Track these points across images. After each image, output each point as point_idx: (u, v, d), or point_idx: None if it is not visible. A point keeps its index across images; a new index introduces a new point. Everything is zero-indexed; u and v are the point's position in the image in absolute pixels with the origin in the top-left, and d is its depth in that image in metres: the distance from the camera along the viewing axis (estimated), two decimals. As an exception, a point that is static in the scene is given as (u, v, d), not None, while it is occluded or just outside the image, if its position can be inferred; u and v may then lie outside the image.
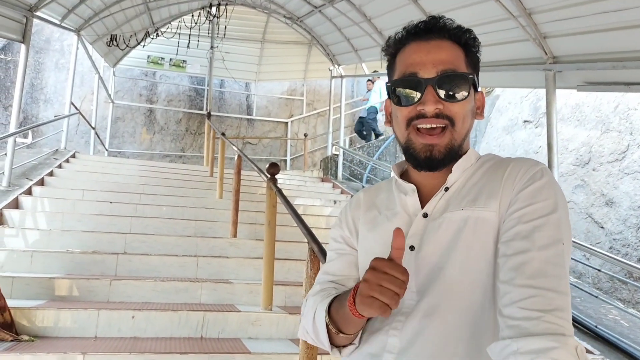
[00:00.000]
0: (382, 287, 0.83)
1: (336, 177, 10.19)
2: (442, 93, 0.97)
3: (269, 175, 4.18)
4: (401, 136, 1.03)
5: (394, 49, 1.07)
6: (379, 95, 11.69)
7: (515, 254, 0.89)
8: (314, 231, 2.89)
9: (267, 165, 4.20)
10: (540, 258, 0.87)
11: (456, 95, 0.98)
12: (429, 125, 0.98)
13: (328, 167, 10.74)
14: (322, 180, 9.88)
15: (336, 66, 10.37)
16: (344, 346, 1.07)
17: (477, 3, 5.25)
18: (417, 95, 0.98)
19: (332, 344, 1.07)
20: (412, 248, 1.01)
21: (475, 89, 1.04)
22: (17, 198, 5.79)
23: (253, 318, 3.80)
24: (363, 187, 9.27)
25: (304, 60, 14.05)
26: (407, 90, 1.00)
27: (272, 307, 3.98)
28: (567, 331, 0.81)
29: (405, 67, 1.02)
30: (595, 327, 4.26)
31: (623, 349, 3.98)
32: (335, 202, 7.98)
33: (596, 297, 5.15)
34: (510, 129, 8.67)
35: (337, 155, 10.47)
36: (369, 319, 1.04)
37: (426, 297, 0.97)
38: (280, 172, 9.15)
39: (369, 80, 12.22)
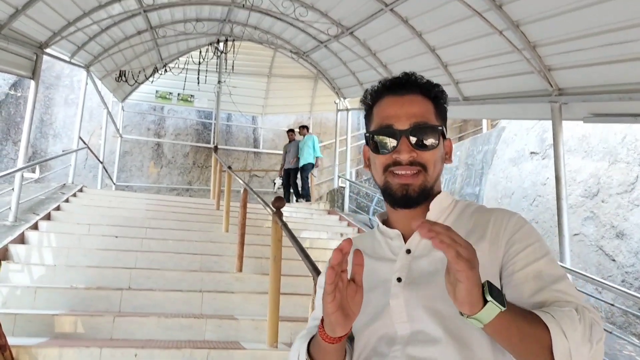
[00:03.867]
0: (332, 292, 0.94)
1: (343, 209, 10.14)
2: (415, 142, 1.09)
3: (274, 209, 4.15)
4: (379, 179, 1.15)
5: (371, 100, 1.20)
6: (311, 148, 11.10)
7: (534, 292, 1.00)
8: (320, 265, 2.85)
9: (273, 199, 4.17)
10: (557, 289, 1.00)
11: (427, 144, 1.10)
12: (403, 172, 1.09)
13: (335, 199, 10.71)
14: (329, 212, 9.84)
15: (342, 99, 10.44)
16: None
17: (481, 37, 5.29)
18: (393, 144, 1.10)
19: None
20: (399, 280, 1.09)
21: (444, 137, 1.16)
22: (23, 233, 5.78)
23: (258, 356, 3.73)
24: (370, 219, 9.22)
25: (310, 94, 14.20)
26: (384, 140, 1.12)
27: (277, 345, 3.90)
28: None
29: (381, 119, 1.14)
30: (610, 364, 4.14)
31: (640, 387, 3.86)
32: (341, 234, 7.91)
33: (610, 332, 5.02)
34: (516, 160, 8.64)
35: (344, 187, 10.45)
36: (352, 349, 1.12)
37: (419, 326, 1.03)
38: (287, 204, 9.13)
39: (290, 130, 11.75)
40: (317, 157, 11.23)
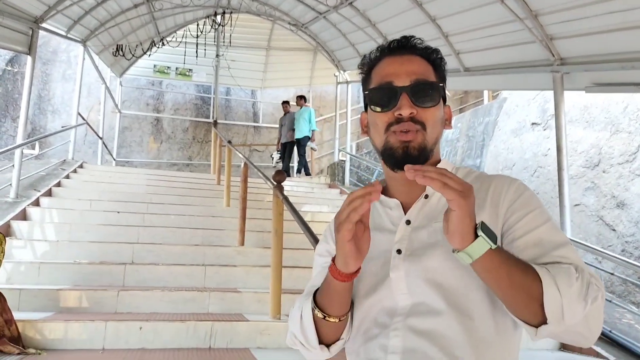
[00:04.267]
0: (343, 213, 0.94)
1: (343, 183, 10.15)
2: (415, 99, 1.07)
3: (275, 183, 4.16)
4: (379, 141, 1.12)
5: (369, 65, 1.18)
6: (307, 120, 10.79)
7: (536, 258, 0.98)
8: (321, 238, 2.86)
9: (273, 173, 4.17)
10: (558, 255, 0.98)
11: (427, 102, 1.09)
12: (405, 128, 1.07)
13: (335, 173, 10.70)
14: (330, 186, 9.85)
15: (341, 72, 10.35)
16: (333, 343, 1.10)
17: (482, 5, 5.21)
18: (393, 101, 1.08)
19: (321, 341, 1.10)
20: (399, 251, 1.07)
21: (444, 101, 1.15)
22: (24, 209, 5.80)
23: (262, 327, 3.77)
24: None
25: (310, 67, 14.06)
26: (385, 97, 1.10)
27: (280, 316, 3.94)
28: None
29: (381, 77, 1.12)
30: (610, 332, 4.19)
31: (638, 354, 3.91)
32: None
33: (609, 301, 5.06)
34: (518, 131, 8.60)
35: (344, 161, 10.44)
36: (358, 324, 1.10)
37: (420, 297, 1.02)
38: (288, 179, 9.14)
39: (284, 102, 11.40)
40: (313, 130, 10.96)
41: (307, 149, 11.18)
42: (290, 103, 11.66)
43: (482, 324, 0.99)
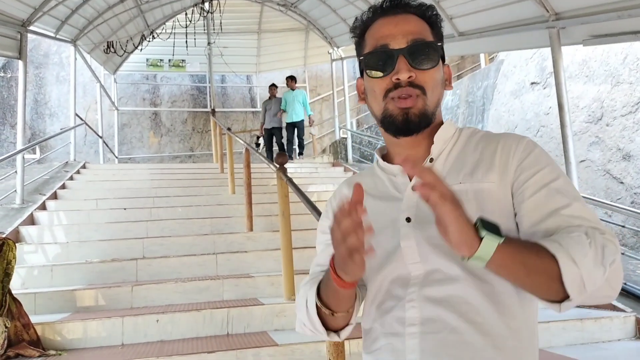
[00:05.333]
0: (344, 235, 0.84)
1: (347, 160, 10.13)
2: (413, 61, 1.02)
3: (277, 166, 4.14)
4: (378, 108, 1.06)
5: (361, 29, 1.11)
6: (301, 104, 10.41)
7: (546, 217, 0.95)
8: (322, 214, 2.84)
9: (275, 156, 4.15)
10: (569, 214, 0.94)
11: (426, 63, 1.03)
12: (404, 94, 1.02)
13: (338, 151, 10.68)
14: (333, 165, 9.82)
15: (335, 49, 10.25)
16: (342, 329, 1.08)
17: (471, -33, 5.12)
18: (390, 65, 1.02)
19: (329, 329, 1.08)
20: (408, 220, 1.03)
21: (443, 60, 1.09)
22: (32, 214, 5.82)
23: (277, 310, 3.78)
24: (365, 170, 9.19)
25: (303, 47, 13.94)
26: (380, 62, 1.04)
27: (295, 297, 3.95)
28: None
29: (375, 40, 1.06)
30: (625, 284, 4.19)
31: (655, 304, 3.91)
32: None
33: (622, 253, 5.05)
34: (518, 92, 8.52)
35: (346, 138, 10.40)
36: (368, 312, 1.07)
37: (433, 265, 0.99)
38: (291, 160, 9.12)
39: (272, 85, 10.85)
40: (310, 115, 10.61)
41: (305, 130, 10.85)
42: (278, 85, 11.14)
43: (504, 290, 0.96)
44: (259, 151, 8.59)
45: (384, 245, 1.03)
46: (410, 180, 1.07)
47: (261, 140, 10.82)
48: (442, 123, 1.11)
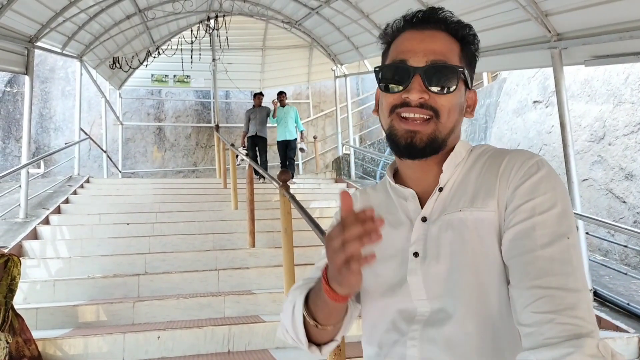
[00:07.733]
0: (342, 246, 0.80)
1: (349, 176, 10.14)
2: (429, 83, 0.95)
3: (280, 183, 4.15)
4: (385, 123, 1.01)
5: (390, 36, 1.05)
6: (294, 120, 9.93)
7: (519, 255, 0.87)
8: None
9: (278, 173, 4.17)
10: (545, 256, 0.84)
11: (443, 87, 0.96)
12: (412, 115, 0.96)
13: (340, 167, 10.70)
14: (336, 181, 9.84)
15: (339, 65, 10.33)
16: (325, 343, 1.04)
17: (474, -12, 5.18)
18: (403, 82, 0.96)
19: (312, 341, 1.04)
20: (416, 254, 0.98)
21: (467, 85, 1.02)
22: (35, 229, 5.84)
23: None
24: (377, 184, 9.19)
25: (307, 63, 14.04)
26: (395, 77, 0.98)
27: (296, 315, 3.94)
28: (584, 329, 0.78)
29: (396, 54, 1.00)
30: (627, 304, 4.17)
31: (658, 325, 3.88)
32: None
33: (625, 274, 5.04)
34: (520, 111, 8.56)
35: (349, 154, 10.41)
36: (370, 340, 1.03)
37: (439, 303, 0.95)
38: (294, 177, 9.13)
39: (258, 94, 10.31)
40: (301, 131, 10.19)
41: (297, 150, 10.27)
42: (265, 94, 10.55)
43: (506, 331, 0.91)
44: (238, 163, 8.08)
45: (390, 274, 1.01)
46: (422, 208, 1.02)
47: (242, 150, 9.86)
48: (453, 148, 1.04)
